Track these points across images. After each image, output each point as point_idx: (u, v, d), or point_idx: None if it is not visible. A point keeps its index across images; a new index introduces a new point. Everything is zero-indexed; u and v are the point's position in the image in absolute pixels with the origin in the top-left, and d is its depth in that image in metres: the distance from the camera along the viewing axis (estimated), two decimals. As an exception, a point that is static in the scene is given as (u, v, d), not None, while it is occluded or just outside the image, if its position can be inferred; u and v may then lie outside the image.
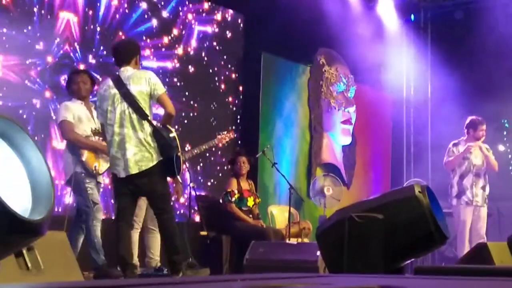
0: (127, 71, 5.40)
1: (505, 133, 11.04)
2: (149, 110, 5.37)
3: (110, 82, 5.42)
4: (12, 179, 2.43)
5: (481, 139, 8.16)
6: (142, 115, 5.29)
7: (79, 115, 6.08)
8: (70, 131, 6.02)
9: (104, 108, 5.38)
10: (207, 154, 8.72)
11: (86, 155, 6.02)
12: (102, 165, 6.11)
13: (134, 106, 5.28)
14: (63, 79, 6.81)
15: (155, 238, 6.65)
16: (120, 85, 5.33)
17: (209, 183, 8.86)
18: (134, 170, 5.25)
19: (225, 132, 7.66)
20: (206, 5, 8.96)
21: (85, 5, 7.37)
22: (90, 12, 7.43)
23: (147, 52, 8.01)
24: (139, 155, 5.26)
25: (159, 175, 5.34)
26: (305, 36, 9.64)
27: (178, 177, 5.90)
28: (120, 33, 7.73)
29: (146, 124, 5.30)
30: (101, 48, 7.48)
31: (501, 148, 10.95)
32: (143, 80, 5.34)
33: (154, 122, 5.46)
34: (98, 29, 7.50)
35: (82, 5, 7.34)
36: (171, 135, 5.35)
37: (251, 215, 7.87)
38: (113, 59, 5.58)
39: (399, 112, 11.92)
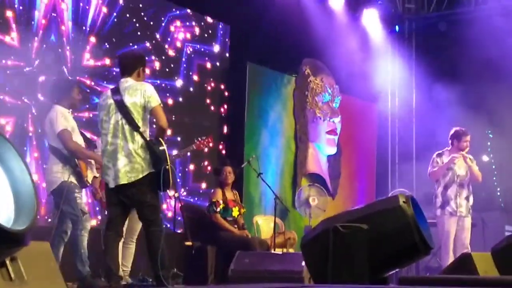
0: (126, 82, 5.43)
1: (489, 143, 11.11)
2: (142, 122, 5.36)
3: (109, 92, 5.48)
4: (-5, 189, 2.42)
5: (465, 150, 8.20)
6: (134, 127, 5.30)
7: (73, 126, 6.11)
8: (71, 140, 6.02)
9: (101, 118, 5.42)
10: (192, 164, 8.71)
11: (81, 165, 6.07)
12: (89, 176, 6.18)
13: (127, 117, 5.30)
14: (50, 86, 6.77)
15: (129, 250, 6.66)
16: (117, 95, 5.37)
17: (194, 194, 8.84)
18: (123, 180, 5.26)
19: (204, 137, 7.63)
20: (191, 16, 8.96)
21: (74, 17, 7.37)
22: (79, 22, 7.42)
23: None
24: (129, 166, 5.27)
25: (148, 186, 5.31)
26: (290, 47, 9.67)
27: (168, 191, 5.89)
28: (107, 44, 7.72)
29: (137, 136, 5.31)
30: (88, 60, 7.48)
31: (485, 158, 11.01)
32: (138, 92, 5.36)
33: (147, 134, 5.43)
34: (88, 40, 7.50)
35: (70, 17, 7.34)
36: (160, 148, 5.33)
37: (236, 225, 7.86)
38: (119, 69, 5.62)
39: (384, 122, 11.98)
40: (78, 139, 6.14)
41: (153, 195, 5.37)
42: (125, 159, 5.26)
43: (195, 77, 8.95)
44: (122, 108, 5.30)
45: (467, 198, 8.16)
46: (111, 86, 5.73)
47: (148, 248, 5.34)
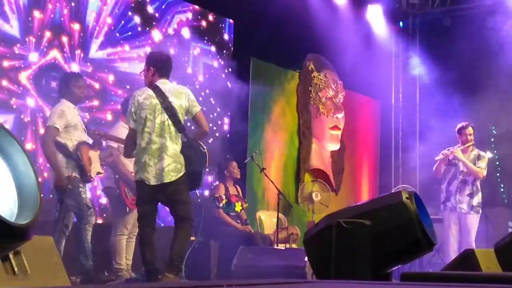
0: (165, 84, 5.65)
1: (492, 139, 11.09)
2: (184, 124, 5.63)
3: (150, 91, 5.60)
4: (-1, 183, 2.42)
5: (469, 144, 8.16)
6: (179, 128, 5.54)
7: (75, 123, 6.10)
8: (50, 140, 5.99)
9: (143, 116, 5.52)
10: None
11: (84, 159, 6.07)
12: (93, 171, 6.18)
13: (175, 118, 5.52)
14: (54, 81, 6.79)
15: (132, 244, 6.74)
16: (162, 96, 5.54)
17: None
18: (167, 179, 5.46)
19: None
20: (196, 11, 8.96)
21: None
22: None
23: (133, 54, 8.02)
24: (173, 165, 5.48)
25: (184, 185, 5.56)
26: (294, 42, 9.66)
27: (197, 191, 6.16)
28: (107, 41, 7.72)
29: (180, 137, 5.56)
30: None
31: (488, 154, 10.99)
32: (183, 95, 5.61)
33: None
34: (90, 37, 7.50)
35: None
36: (203, 150, 5.62)
37: (239, 221, 7.86)
38: (151, 69, 5.69)
39: (387, 118, 11.97)
40: (81, 135, 6.13)
41: (188, 194, 5.65)
42: (169, 158, 5.47)
43: (199, 72, 8.95)
44: (169, 109, 5.50)
45: (470, 195, 8.09)
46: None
47: (175, 235, 5.54)
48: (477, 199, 8.11)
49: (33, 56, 6.92)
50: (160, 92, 5.56)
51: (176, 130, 5.53)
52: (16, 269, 3.28)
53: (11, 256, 3.26)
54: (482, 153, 8.22)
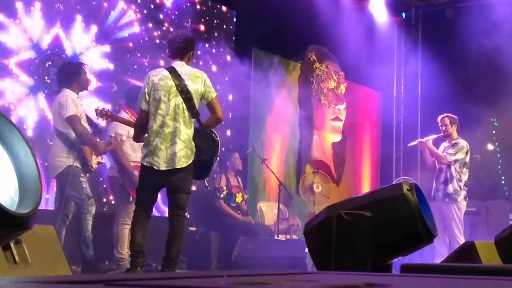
0: (182, 66, 5.38)
1: (494, 132, 11.08)
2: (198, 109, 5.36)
3: (166, 72, 5.34)
4: None
5: (449, 134, 8.30)
6: (194, 113, 5.29)
7: (81, 112, 6.12)
8: (80, 125, 6.03)
9: (157, 97, 5.25)
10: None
11: (86, 151, 6.10)
12: (94, 162, 6.20)
13: (190, 102, 5.27)
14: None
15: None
16: (178, 78, 5.29)
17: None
18: (178, 164, 5.20)
19: None
20: (197, 1, 8.94)
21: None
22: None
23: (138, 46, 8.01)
24: (184, 151, 5.22)
25: (191, 173, 5.31)
26: (296, 33, 9.64)
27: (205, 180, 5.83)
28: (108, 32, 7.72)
29: (193, 122, 5.31)
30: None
31: (490, 147, 10.99)
32: (199, 79, 5.36)
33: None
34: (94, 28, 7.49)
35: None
36: (216, 139, 5.38)
37: (239, 211, 7.87)
38: (167, 50, 5.48)
39: (389, 109, 11.96)
40: (84, 125, 6.16)
41: (191, 183, 5.42)
42: (182, 143, 5.21)
43: (200, 63, 8.94)
44: (184, 93, 5.25)
45: (444, 183, 8.09)
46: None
47: (173, 234, 5.26)
48: (453, 186, 8.07)
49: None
50: (176, 73, 5.31)
51: (190, 114, 5.27)
52: (17, 258, 3.29)
53: (12, 245, 3.27)
54: (462, 142, 8.24)
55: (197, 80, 5.34)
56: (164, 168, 5.20)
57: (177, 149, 5.20)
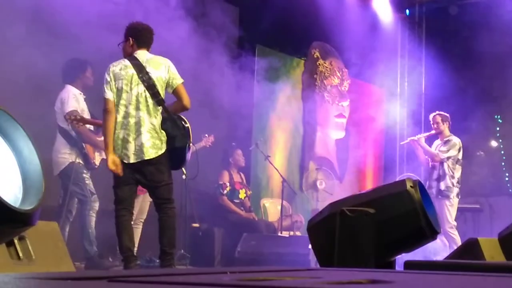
0: (144, 54, 5.24)
1: (498, 128, 11.07)
2: (163, 97, 5.19)
3: (126, 62, 5.20)
4: (3, 169, 2.43)
5: (441, 132, 8.34)
6: (158, 101, 5.13)
7: (83, 108, 6.13)
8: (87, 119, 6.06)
9: (119, 87, 5.12)
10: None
11: (87, 148, 6.11)
12: (97, 159, 6.22)
13: (152, 90, 5.11)
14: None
15: (137, 230, 6.70)
16: (139, 67, 5.14)
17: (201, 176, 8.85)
18: (146, 156, 5.05)
19: (207, 135, 7.68)
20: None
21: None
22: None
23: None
24: (151, 141, 5.07)
25: (165, 164, 5.15)
26: (299, 29, 9.63)
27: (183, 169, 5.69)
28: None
29: (159, 111, 5.14)
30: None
31: (493, 144, 10.98)
32: (162, 66, 5.19)
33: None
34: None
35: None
36: (186, 125, 5.22)
37: (243, 208, 7.88)
38: (130, 39, 5.28)
39: (392, 106, 11.94)
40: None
41: (169, 174, 5.23)
42: (147, 134, 5.07)
43: (204, 60, 8.93)
44: (146, 81, 5.10)
45: (437, 180, 8.16)
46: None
47: (162, 226, 5.17)
48: (445, 183, 8.10)
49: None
50: (137, 62, 5.15)
51: (154, 103, 5.09)
52: (21, 254, 3.30)
53: (16, 241, 3.28)
54: (454, 139, 8.28)
55: (159, 66, 5.18)
56: (134, 161, 5.07)
57: (144, 139, 5.05)
